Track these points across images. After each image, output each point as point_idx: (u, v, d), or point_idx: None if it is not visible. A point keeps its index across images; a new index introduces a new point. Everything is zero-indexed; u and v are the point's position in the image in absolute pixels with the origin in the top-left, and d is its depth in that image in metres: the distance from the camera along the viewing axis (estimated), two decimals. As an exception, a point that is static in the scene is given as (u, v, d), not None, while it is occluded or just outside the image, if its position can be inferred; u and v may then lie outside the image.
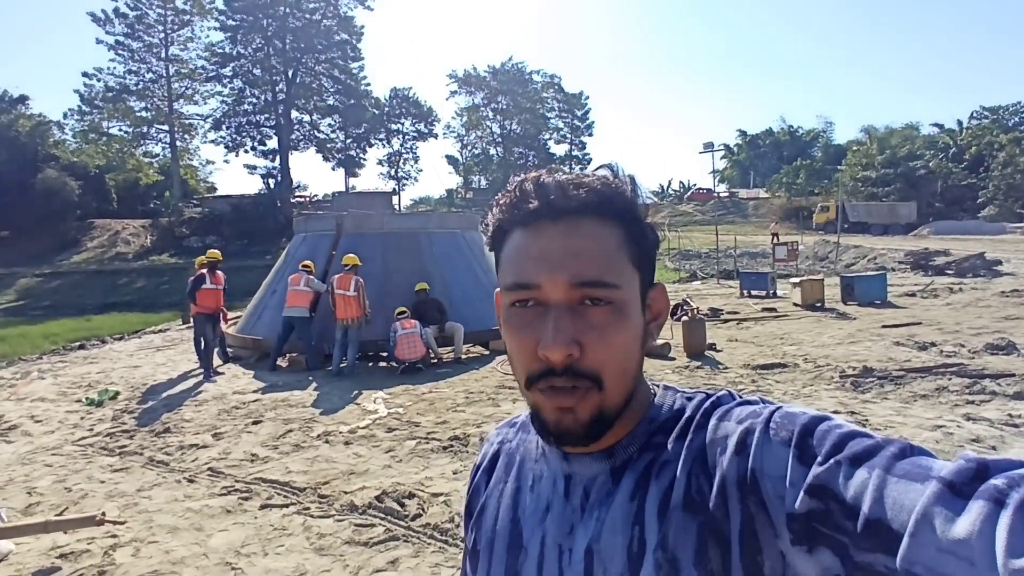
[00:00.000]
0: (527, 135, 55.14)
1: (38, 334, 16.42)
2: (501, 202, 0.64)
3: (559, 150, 59.43)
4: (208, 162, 71.24)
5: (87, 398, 7.54)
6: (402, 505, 4.18)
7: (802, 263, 22.38)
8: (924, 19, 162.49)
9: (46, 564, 3.66)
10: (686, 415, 0.63)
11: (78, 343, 13.10)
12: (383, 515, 4.08)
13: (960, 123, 51.89)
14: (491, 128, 56.04)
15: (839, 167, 49.78)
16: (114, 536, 3.96)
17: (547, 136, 57.79)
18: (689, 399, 0.65)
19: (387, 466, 5.00)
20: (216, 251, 9.31)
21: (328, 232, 10.38)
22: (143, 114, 47.40)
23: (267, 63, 47.22)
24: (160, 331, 14.20)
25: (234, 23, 46.04)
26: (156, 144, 49.87)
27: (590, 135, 59.68)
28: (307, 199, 51.85)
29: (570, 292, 0.58)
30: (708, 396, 0.64)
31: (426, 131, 53.31)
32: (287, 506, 4.36)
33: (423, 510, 4.11)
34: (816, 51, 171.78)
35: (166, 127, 47.91)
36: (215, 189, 58.03)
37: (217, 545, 3.82)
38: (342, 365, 8.54)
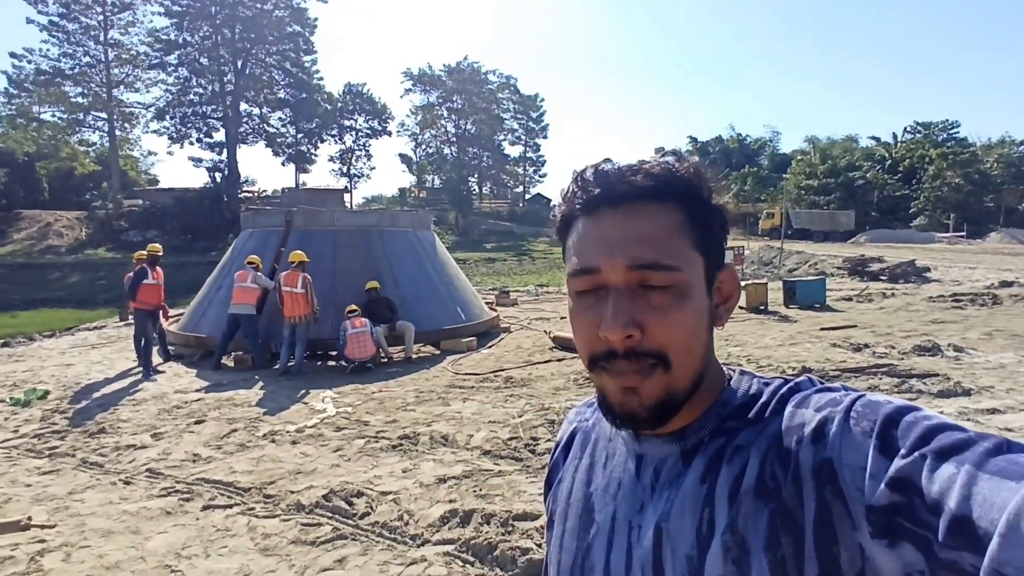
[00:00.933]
0: (482, 135, 55.12)
1: (-43, 331, 15.38)
2: (565, 193, 0.65)
3: (514, 151, 59.82)
4: (150, 153, 68.30)
5: (11, 398, 7.11)
6: (350, 504, 4.13)
7: (747, 268, 23.17)
8: (867, 35, 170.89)
9: (-35, 572, 3.44)
10: (761, 400, 0.62)
11: (1, 341, 12.34)
12: (330, 514, 4.02)
13: (895, 137, 54.81)
14: (446, 127, 55.78)
15: (784, 175, 51.78)
16: (42, 541, 3.76)
17: (502, 137, 57.97)
18: (766, 384, 0.64)
19: (335, 465, 4.91)
20: (157, 245, 8.95)
21: (277, 228, 10.12)
22: (79, 100, 45.08)
23: (215, 52, 45.63)
24: (95, 328, 13.52)
25: (180, 9, 44.28)
26: (93, 132, 47.59)
27: (544, 137, 60.24)
28: (255, 194, 50.31)
29: (628, 275, 0.58)
30: (786, 382, 0.63)
31: (380, 128, 52.65)
32: (231, 507, 4.23)
33: (372, 508, 4.06)
34: (765, 61, 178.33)
35: (104, 115, 45.70)
36: (157, 182, 55.76)
37: (155, 548, 3.67)
38: (290, 364, 8.35)
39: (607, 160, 0.64)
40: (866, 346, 8.97)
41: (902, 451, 0.48)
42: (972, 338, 9.36)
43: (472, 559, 3.42)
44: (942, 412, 5.81)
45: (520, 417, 5.93)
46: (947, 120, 53.84)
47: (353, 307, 8.52)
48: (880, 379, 7.05)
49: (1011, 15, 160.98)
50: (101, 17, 43.65)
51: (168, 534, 3.86)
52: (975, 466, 0.44)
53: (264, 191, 51.24)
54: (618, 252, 0.59)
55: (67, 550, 3.68)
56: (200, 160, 48.07)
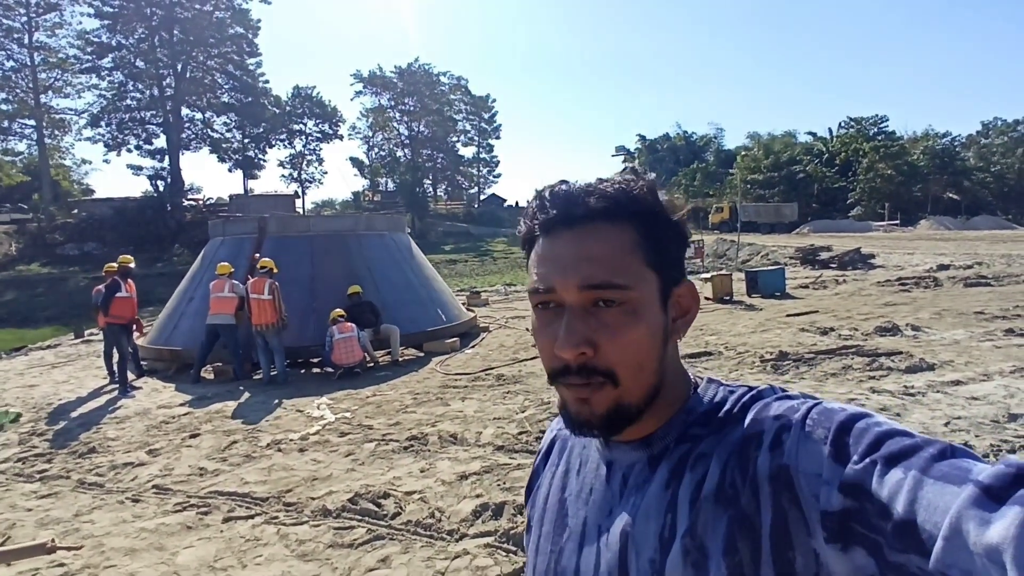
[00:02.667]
0: (435, 137, 54.85)
1: None
2: (527, 212, 0.67)
3: (467, 152, 59.73)
4: (84, 161, 64.80)
5: (-18, 422, 6.75)
6: (378, 505, 4.14)
7: (705, 261, 23.94)
8: (803, 32, 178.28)
9: (-12, 601, 3.31)
10: (725, 408, 0.64)
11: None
12: (360, 516, 4.03)
13: (831, 131, 57.44)
14: (398, 130, 55.23)
15: (730, 171, 53.60)
16: (61, 565, 3.64)
17: (455, 138, 57.80)
18: (731, 392, 0.66)
19: (350, 469, 4.91)
20: (128, 257, 8.62)
21: (250, 235, 9.90)
22: (2, 107, 42.47)
23: (152, 55, 43.74)
24: (49, 347, 12.87)
25: (111, 10, 42.26)
26: (20, 140, 44.89)
27: (498, 138, 60.44)
28: (201, 202, 48.56)
29: (581, 295, 0.60)
30: (749, 390, 0.65)
31: (330, 132, 51.68)
32: (252, 517, 4.19)
33: (401, 508, 4.10)
34: (709, 60, 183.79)
35: (32, 122, 43.20)
36: (92, 192, 53.12)
37: (186, 562, 3.61)
38: (273, 373, 8.20)
39: (564, 181, 0.66)
40: (832, 329, 9.47)
41: (854, 457, 0.49)
42: (924, 318, 10.01)
43: (513, 548, 3.51)
44: (912, 387, 6.25)
45: (523, 412, 6.04)
46: (877, 115, 56.93)
47: (340, 312, 8.43)
48: (852, 359, 7.48)
49: (932, 13, 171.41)
50: (25, 18, 41.24)
51: (195, 548, 3.80)
52: (921, 471, 0.45)
53: (210, 199, 49.54)
54: (571, 272, 0.60)
55: (91, 571, 3.57)
56: (140, 168, 46.03)
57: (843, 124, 58.12)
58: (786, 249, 24.21)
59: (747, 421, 0.60)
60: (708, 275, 14.61)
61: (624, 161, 74.98)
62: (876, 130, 56.14)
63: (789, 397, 0.61)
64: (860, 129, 56.10)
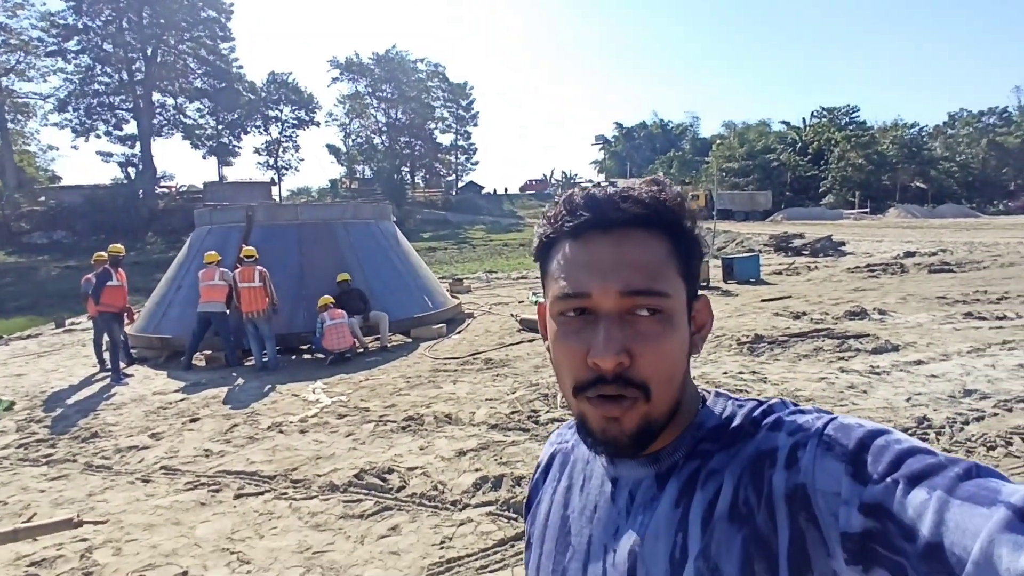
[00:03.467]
0: (413, 124, 54.48)
1: None
2: (549, 215, 0.65)
3: (445, 139, 59.47)
4: (50, 148, 63.06)
5: (-24, 410, 6.80)
6: (383, 480, 4.39)
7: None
8: (777, 21, 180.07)
9: (19, 575, 3.48)
10: (735, 423, 0.62)
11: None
12: (367, 490, 4.27)
13: (804, 121, 58.45)
14: (375, 116, 54.76)
15: (706, 159, 54.35)
16: (84, 540, 3.82)
17: (433, 125, 57.48)
18: (740, 406, 0.65)
19: (352, 448, 5.13)
20: (119, 246, 8.64)
21: (237, 224, 9.96)
22: (-41, 90, 41.09)
23: (120, 38, 42.59)
24: (30, 336, 12.76)
25: (77, -9, 41.01)
26: (-19, 126, 43.46)
27: (475, 125, 60.23)
28: (173, 189, 47.67)
29: (621, 301, 0.58)
30: (760, 404, 0.64)
31: (307, 119, 50.98)
32: (262, 493, 4.40)
33: (405, 482, 4.34)
34: (684, 49, 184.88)
35: (-7, 106, 41.89)
36: (59, 179, 51.63)
37: (205, 535, 3.82)
38: (265, 360, 8.34)
39: (597, 185, 0.64)
40: (804, 314, 9.92)
41: (875, 476, 0.48)
42: (891, 302, 10.52)
43: (514, 515, 3.79)
44: (878, 367, 6.67)
45: (514, 393, 6.31)
46: (848, 104, 58.12)
47: (329, 299, 8.59)
48: (823, 341, 7.90)
49: (903, 6, 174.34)
50: (-16, -1, 39.81)
51: (211, 522, 4.00)
52: (947, 492, 0.44)
53: (184, 186, 48.65)
54: (611, 278, 0.58)
55: (114, 545, 3.76)
56: (110, 155, 44.98)
57: (816, 113, 59.24)
58: (760, 236, 24.83)
59: (759, 437, 0.59)
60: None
61: (601, 150, 75.40)
62: (847, 120, 57.33)
63: (802, 412, 0.60)
64: (832, 119, 57.25)
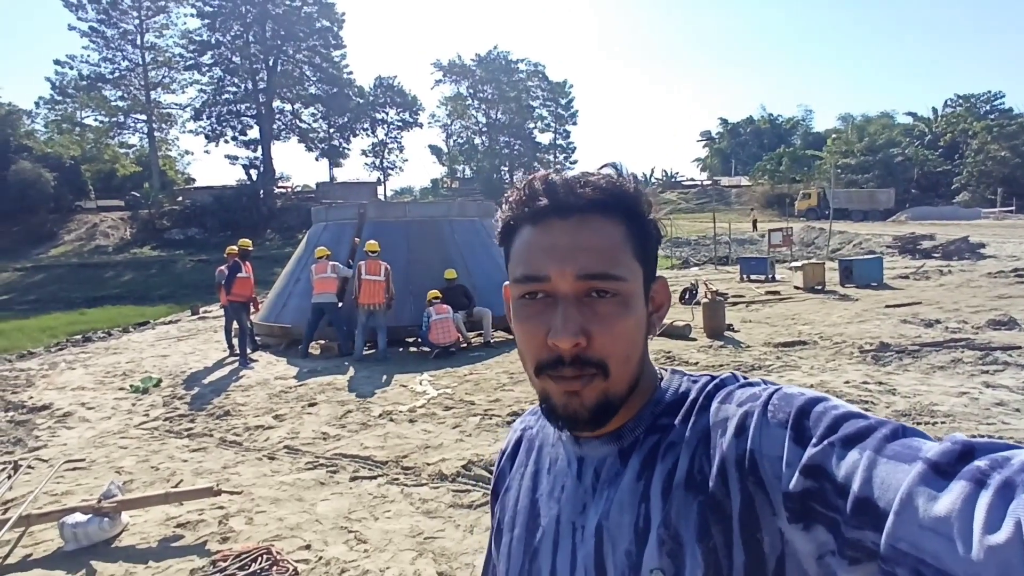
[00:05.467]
0: (512, 124, 55.21)
1: (34, 328, 16.22)
2: (511, 200, 0.66)
3: (544, 139, 59.74)
4: (187, 152, 69.86)
5: (131, 385, 7.64)
6: (491, 472, 4.43)
7: (793, 249, 23.03)
8: (901, 9, 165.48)
9: (168, 533, 3.86)
10: (691, 398, 0.65)
11: (79, 335, 13.04)
12: (475, 481, 4.35)
13: (935, 111, 53.32)
14: (476, 117, 55.98)
15: (819, 154, 50.85)
16: (221, 507, 4.17)
17: (532, 125, 57.93)
18: (695, 382, 0.67)
19: (459, 440, 5.25)
20: (247, 240, 9.41)
21: (350, 221, 10.51)
22: (119, 103, 46.41)
23: (247, 51, 46.46)
24: (171, 322, 14.18)
25: (211, 9, 45.15)
26: (133, 134, 48.96)
27: (574, 124, 60.10)
28: (290, 189, 51.27)
29: (577, 284, 0.60)
30: (713, 379, 0.66)
31: (411, 120, 53.06)
32: (376, 477, 4.60)
33: (512, 477, 4.38)
34: (796, 40, 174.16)
35: (143, 117, 46.98)
36: (193, 180, 56.99)
37: (325, 512, 4.05)
38: (370, 352, 8.72)
39: (554, 171, 0.66)
40: (937, 321, 9.03)
41: (813, 440, 0.51)
42: (1046, 312, 9.33)
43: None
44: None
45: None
46: (990, 91, 52.30)
47: (436, 293, 8.86)
48: (962, 352, 7.15)
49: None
50: (137, 21, 44.72)
51: (330, 501, 4.24)
52: (875, 451, 0.47)
53: (298, 186, 52.20)
54: (568, 262, 0.60)
55: (247, 515, 4.07)
56: (236, 158, 49.13)
57: (949, 102, 53.77)
58: (882, 237, 22.91)
59: (712, 409, 0.62)
60: (798, 263, 14.12)
61: (705, 147, 72.64)
62: (988, 108, 51.58)
63: (750, 384, 0.63)
64: (970, 107, 51.73)
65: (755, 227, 23.68)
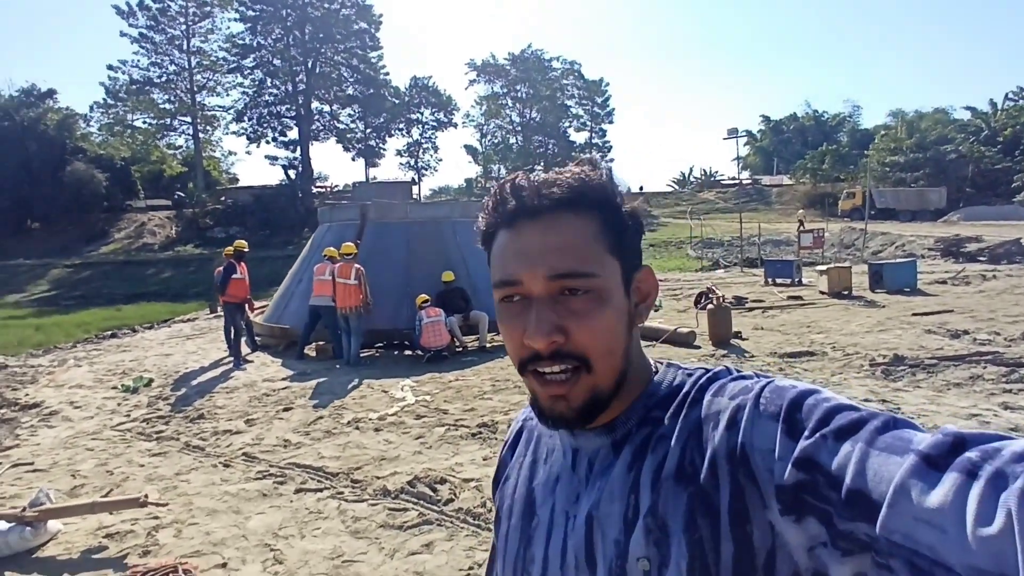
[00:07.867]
0: (547, 123, 54.81)
1: (72, 323, 16.88)
2: (487, 206, 0.67)
3: (579, 138, 59.05)
4: (230, 153, 72.00)
5: (122, 385, 7.74)
6: (434, 490, 4.24)
7: (827, 251, 22.00)
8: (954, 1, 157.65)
9: (94, 543, 3.78)
10: (683, 391, 0.65)
11: (110, 332, 13.44)
12: (416, 500, 4.15)
13: (994, 104, 50.36)
14: (511, 116, 55.80)
15: (866, 152, 48.69)
16: (156, 518, 4.08)
17: (567, 124, 57.36)
18: (689, 375, 0.67)
19: (417, 452, 5.06)
20: (242, 241, 9.45)
21: (353, 221, 10.46)
22: (166, 106, 48.16)
23: (287, 54, 47.51)
24: (188, 320, 14.48)
25: (253, 14, 46.33)
26: (179, 136, 50.73)
27: (611, 122, 59.18)
28: (328, 189, 52.21)
29: (548, 284, 0.61)
30: (706, 372, 0.66)
31: (445, 120, 53.26)
32: (321, 490, 4.45)
33: (455, 495, 4.16)
34: (843, 33, 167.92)
35: (189, 119, 48.63)
36: (237, 180, 58.69)
37: (255, 527, 3.91)
38: (368, 353, 8.62)
39: (524, 173, 0.66)
40: (965, 332, 8.36)
41: (805, 432, 0.51)
42: (1091, 324, 8.54)
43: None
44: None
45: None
46: (1056, 83, 49.02)
47: (425, 297, 8.70)
48: (984, 368, 6.56)
49: None
50: (184, 27, 46.33)
51: (265, 515, 4.10)
52: (867, 443, 0.47)
53: (336, 186, 53.07)
54: (538, 263, 0.61)
55: (178, 527, 3.97)
56: (276, 158, 50.28)
57: (1011, 95, 50.63)
58: (926, 239, 21.68)
59: (704, 402, 0.62)
60: (823, 267, 13.41)
61: (746, 145, 70.62)
62: (1054, 101, 48.38)
63: (743, 377, 0.63)
64: (1033, 101, 48.63)
65: (802, 227, 22.37)
